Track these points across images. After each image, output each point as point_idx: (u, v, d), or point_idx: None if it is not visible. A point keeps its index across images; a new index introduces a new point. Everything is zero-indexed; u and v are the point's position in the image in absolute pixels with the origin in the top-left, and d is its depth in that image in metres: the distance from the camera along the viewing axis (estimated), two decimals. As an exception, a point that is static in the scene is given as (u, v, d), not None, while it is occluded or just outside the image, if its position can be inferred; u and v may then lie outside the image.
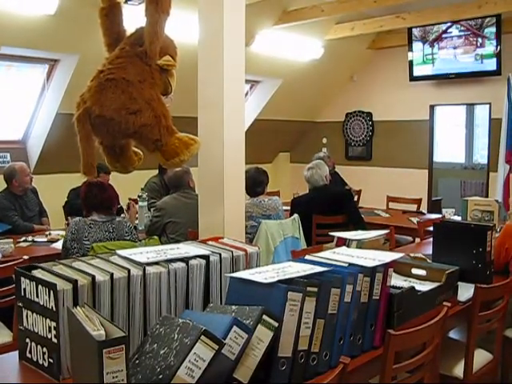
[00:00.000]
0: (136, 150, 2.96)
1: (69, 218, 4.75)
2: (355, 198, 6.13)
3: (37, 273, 1.79)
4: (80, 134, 2.57)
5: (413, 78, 8.02)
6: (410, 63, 7.94)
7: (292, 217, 4.45)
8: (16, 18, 5.15)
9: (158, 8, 2.66)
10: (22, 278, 1.79)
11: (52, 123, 6.35)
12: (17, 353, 1.86)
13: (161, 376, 1.39)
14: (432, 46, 7.69)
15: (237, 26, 3.53)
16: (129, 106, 2.51)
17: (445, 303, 2.19)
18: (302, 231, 4.44)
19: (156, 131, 2.54)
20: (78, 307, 1.46)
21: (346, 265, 1.94)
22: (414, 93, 8.23)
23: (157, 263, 1.87)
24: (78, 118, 2.57)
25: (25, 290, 1.78)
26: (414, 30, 7.71)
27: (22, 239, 4.47)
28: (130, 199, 4.74)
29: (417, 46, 7.82)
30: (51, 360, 1.69)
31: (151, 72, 2.68)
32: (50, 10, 5.18)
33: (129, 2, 4.85)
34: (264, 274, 1.71)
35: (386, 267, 2.00)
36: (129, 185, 5.17)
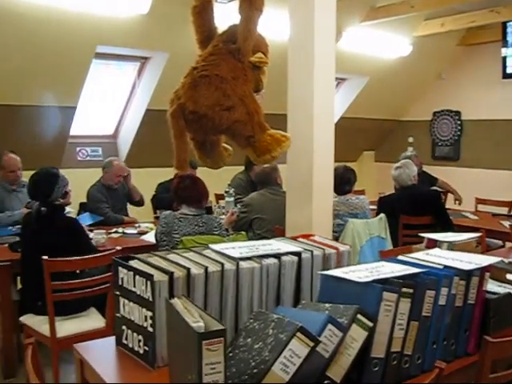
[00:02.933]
0: (226, 145, 2.98)
1: (157, 211, 4.87)
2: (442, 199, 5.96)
3: (134, 263, 1.85)
4: (174, 129, 2.61)
5: (506, 76, 7.69)
6: (504, 60, 7.63)
7: (379, 216, 4.39)
8: (110, 18, 5.35)
9: (251, 5, 2.66)
10: (120, 268, 1.85)
11: (142, 119, 6.54)
12: (113, 338, 1.93)
13: (255, 370, 1.40)
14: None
15: (327, 23, 3.51)
16: (222, 102, 2.53)
17: (544, 312, 2.09)
18: (388, 231, 4.37)
19: (249, 127, 2.55)
20: (175, 298, 1.49)
21: (441, 267, 1.89)
22: (507, 91, 7.90)
23: (249, 258, 1.88)
24: (172, 114, 2.60)
25: (122, 279, 1.84)
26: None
27: (112, 230, 4.64)
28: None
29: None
30: (146, 348, 1.74)
31: (244, 69, 2.69)
32: (144, 10, 5.33)
33: (218, 1, 4.91)
34: (358, 273, 1.69)
35: (482, 271, 1.93)
36: (214, 181, 5.26)
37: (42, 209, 3.50)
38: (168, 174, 5.76)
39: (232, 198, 4.77)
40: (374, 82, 8.12)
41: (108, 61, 6.33)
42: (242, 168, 5.81)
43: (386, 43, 7.43)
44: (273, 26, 5.05)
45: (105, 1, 5.13)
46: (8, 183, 4.75)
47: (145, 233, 4.57)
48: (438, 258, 2.01)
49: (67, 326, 3.32)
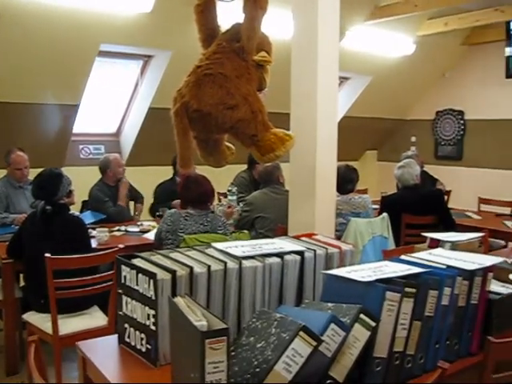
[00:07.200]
0: (228, 144, 2.99)
1: (160, 209, 4.86)
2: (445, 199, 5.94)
3: (137, 262, 1.84)
4: (177, 127, 2.61)
5: (510, 75, 7.64)
6: (508, 59, 7.60)
7: (381, 215, 4.39)
8: (114, 17, 5.35)
9: (256, 4, 2.67)
10: (123, 266, 1.84)
11: (144, 117, 6.54)
12: (116, 336, 1.93)
13: (258, 369, 1.40)
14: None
15: (331, 22, 3.51)
16: (226, 100, 2.53)
17: (547, 312, 2.08)
18: (390, 230, 4.37)
19: (252, 126, 2.56)
20: (178, 297, 1.49)
21: (444, 267, 1.88)
22: (511, 90, 7.88)
23: (252, 257, 1.88)
24: (176, 112, 2.61)
25: (125, 277, 1.83)
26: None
27: (115, 228, 4.63)
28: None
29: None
30: (149, 346, 1.74)
31: (248, 67, 2.69)
32: (147, 8, 5.33)
33: (222, -1, 4.90)
34: (361, 273, 1.69)
35: (485, 271, 1.92)
36: (217, 179, 5.27)
37: (47, 207, 3.50)
38: (171, 172, 5.78)
39: (235, 197, 4.77)
40: (377, 81, 8.12)
41: (111, 59, 6.34)
42: (245, 166, 5.80)
43: (390, 42, 7.43)
44: (276, 25, 5.04)
45: (108, -1, 5.13)
46: (15, 180, 4.75)
47: (147, 231, 4.57)
48: (441, 257, 2.00)
49: (70, 324, 3.32)
